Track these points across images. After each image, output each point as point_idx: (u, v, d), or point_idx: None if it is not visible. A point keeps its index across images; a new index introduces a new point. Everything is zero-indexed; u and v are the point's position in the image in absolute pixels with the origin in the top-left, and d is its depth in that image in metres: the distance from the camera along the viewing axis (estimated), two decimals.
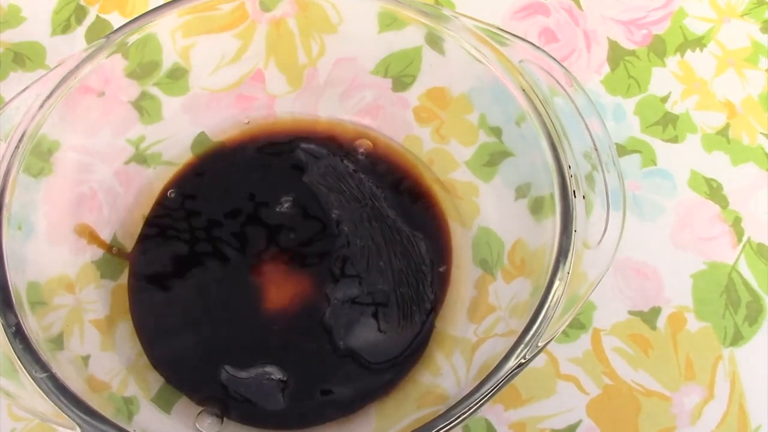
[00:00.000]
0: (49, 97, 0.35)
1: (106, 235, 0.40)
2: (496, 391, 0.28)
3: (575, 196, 0.32)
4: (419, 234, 0.40)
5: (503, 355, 0.29)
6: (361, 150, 0.43)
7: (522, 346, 0.29)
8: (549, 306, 0.30)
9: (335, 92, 0.44)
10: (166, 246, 0.40)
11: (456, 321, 0.38)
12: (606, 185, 0.33)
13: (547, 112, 0.35)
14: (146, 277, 0.39)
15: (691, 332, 0.39)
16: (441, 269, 0.39)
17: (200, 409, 0.35)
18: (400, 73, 0.43)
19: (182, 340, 0.37)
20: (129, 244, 0.40)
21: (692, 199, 0.43)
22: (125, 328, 0.38)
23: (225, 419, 0.35)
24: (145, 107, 0.42)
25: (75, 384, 0.30)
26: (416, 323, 0.37)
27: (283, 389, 0.36)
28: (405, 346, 0.37)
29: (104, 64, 0.38)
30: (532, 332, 0.29)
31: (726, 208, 0.43)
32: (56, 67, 0.36)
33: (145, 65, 0.42)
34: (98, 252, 0.39)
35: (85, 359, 0.35)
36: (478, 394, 0.28)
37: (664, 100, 0.46)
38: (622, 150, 0.44)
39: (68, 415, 0.28)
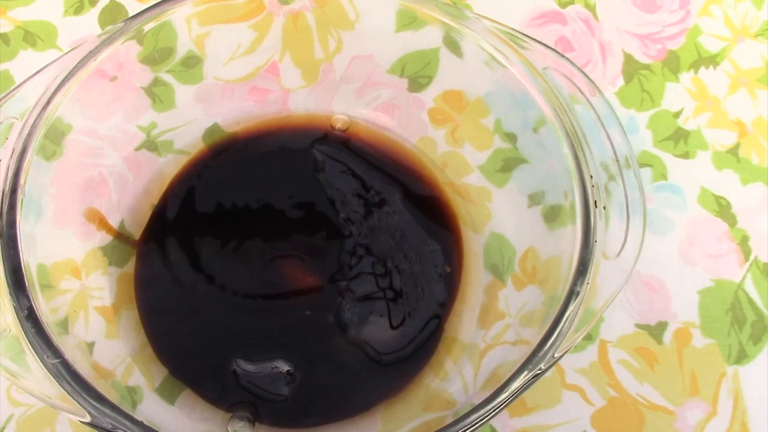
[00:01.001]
0: (67, 79, 0.35)
1: (114, 222, 0.39)
2: (511, 401, 0.28)
3: (596, 207, 0.32)
4: (430, 236, 0.39)
5: (519, 365, 0.29)
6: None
7: (539, 356, 0.29)
8: (568, 317, 0.30)
9: (351, 89, 0.44)
10: (174, 236, 0.39)
11: (465, 326, 0.38)
12: (626, 196, 0.33)
13: (570, 119, 0.35)
14: (153, 266, 0.39)
15: (696, 348, 0.39)
16: (448, 270, 0.39)
17: (230, 414, 0.35)
18: (416, 73, 0.43)
19: (187, 332, 0.37)
20: (137, 231, 0.40)
21: (701, 215, 0.43)
22: (130, 317, 0.37)
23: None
24: (157, 94, 0.42)
25: (81, 369, 0.29)
26: (423, 322, 0.37)
27: (288, 382, 0.35)
28: (412, 342, 0.37)
29: (118, 49, 0.37)
30: (549, 343, 0.29)
31: (734, 226, 0.43)
32: (73, 49, 0.35)
33: (159, 51, 0.41)
34: (106, 238, 0.39)
35: (90, 346, 0.35)
36: (494, 403, 0.28)
37: (677, 115, 0.46)
38: None
39: (79, 402, 0.27)
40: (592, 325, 0.30)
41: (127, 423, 0.27)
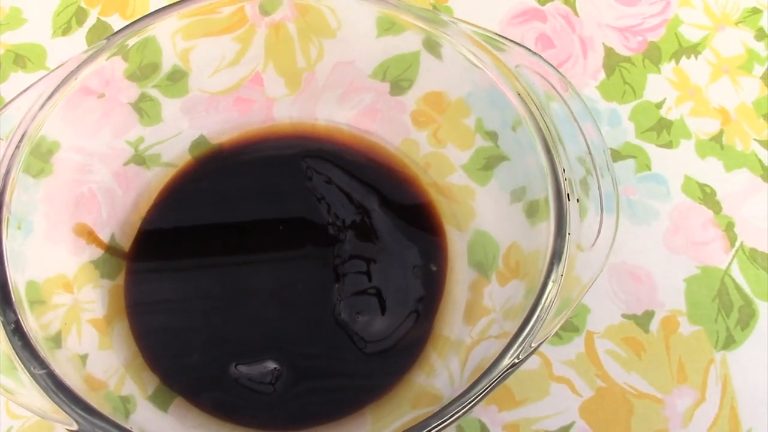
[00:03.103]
0: (50, 97, 0.35)
1: (104, 236, 0.40)
2: (489, 390, 0.28)
3: (569, 199, 0.33)
4: (415, 236, 0.40)
5: (497, 355, 0.29)
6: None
7: (516, 346, 0.29)
8: (543, 307, 0.30)
9: (333, 95, 0.44)
10: (163, 247, 0.40)
11: (451, 323, 0.38)
12: (600, 190, 0.33)
13: (542, 116, 0.35)
14: (142, 277, 0.39)
15: (683, 336, 0.39)
16: (434, 269, 0.39)
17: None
18: (398, 77, 0.43)
19: (177, 340, 0.38)
20: (127, 244, 0.40)
21: (686, 203, 0.43)
22: (122, 328, 0.38)
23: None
24: (144, 109, 0.43)
25: (73, 382, 0.30)
26: (404, 317, 0.37)
27: (276, 378, 0.36)
28: (395, 332, 0.37)
29: (104, 66, 0.38)
30: (525, 332, 0.29)
31: (719, 213, 0.43)
32: (57, 67, 0.36)
33: (144, 67, 0.42)
34: (96, 252, 0.39)
35: (83, 358, 0.36)
36: (472, 393, 0.28)
37: (659, 106, 0.47)
38: (617, 155, 0.45)
39: (66, 412, 0.28)
40: (568, 314, 0.30)
41: (111, 427, 0.28)
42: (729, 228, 0.42)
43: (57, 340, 0.35)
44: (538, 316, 0.30)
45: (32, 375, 0.29)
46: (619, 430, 0.37)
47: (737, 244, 0.42)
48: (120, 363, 0.37)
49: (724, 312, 0.40)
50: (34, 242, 0.36)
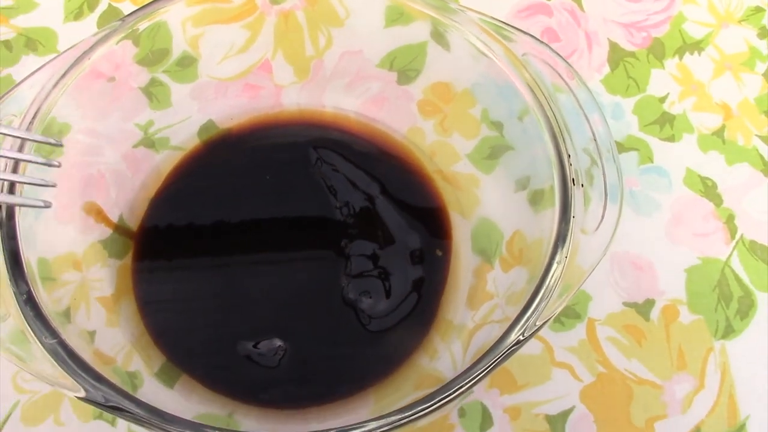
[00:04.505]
0: (62, 77, 0.36)
1: (113, 216, 0.41)
2: (494, 367, 0.29)
3: (574, 184, 0.33)
4: (420, 222, 0.41)
5: (503, 332, 0.30)
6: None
7: (521, 324, 0.30)
8: (547, 286, 0.30)
9: (341, 83, 0.45)
10: (171, 228, 0.41)
11: (454, 307, 0.39)
12: (605, 180, 0.34)
13: (550, 106, 0.36)
14: (149, 257, 0.40)
15: (683, 324, 0.40)
16: (439, 254, 0.40)
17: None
18: (405, 66, 0.44)
19: (183, 318, 0.38)
20: (135, 225, 0.41)
21: (687, 196, 0.44)
22: (129, 306, 0.38)
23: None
24: (154, 93, 0.43)
25: (83, 355, 0.30)
26: (405, 296, 0.38)
27: (281, 356, 0.36)
28: (400, 313, 0.38)
29: (115, 51, 0.39)
30: (530, 311, 0.30)
31: (720, 205, 0.43)
32: (69, 49, 0.36)
33: (155, 53, 0.42)
34: (105, 231, 0.40)
35: (91, 334, 0.36)
36: (477, 368, 0.29)
37: (662, 100, 0.47)
38: (620, 147, 0.45)
39: (76, 379, 0.28)
40: (572, 295, 0.31)
41: (118, 396, 0.28)
42: (729, 220, 0.43)
43: (67, 316, 0.35)
44: (542, 295, 0.30)
45: (43, 344, 0.29)
46: (619, 414, 0.38)
47: (737, 236, 0.43)
48: (127, 340, 0.37)
49: (723, 302, 0.41)
50: (45, 221, 0.37)
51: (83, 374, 0.29)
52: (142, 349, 0.37)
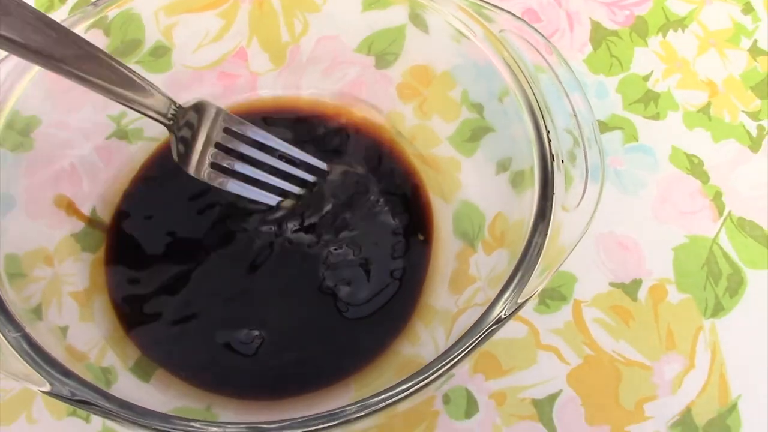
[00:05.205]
0: (27, 68, 0.35)
1: (86, 209, 0.40)
2: (475, 346, 0.28)
3: (554, 160, 0.32)
4: (398, 208, 0.40)
5: (484, 310, 0.29)
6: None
7: (502, 301, 0.29)
8: (528, 263, 0.30)
9: (318, 69, 0.44)
10: (145, 220, 0.40)
11: (437, 292, 0.38)
12: (586, 159, 0.33)
13: (530, 86, 0.35)
14: (123, 250, 0.39)
15: (672, 304, 0.39)
16: (420, 238, 0.39)
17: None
18: (383, 50, 0.43)
19: (157, 312, 0.37)
20: (109, 218, 0.40)
21: (674, 174, 0.43)
22: (103, 300, 0.38)
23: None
24: None
25: (54, 352, 0.30)
26: (392, 287, 0.37)
27: (258, 347, 0.36)
28: (380, 300, 0.37)
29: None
30: (511, 288, 0.29)
31: (707, 183, 0.43)
32: None
33: (127, 43, 0.42)
34: (77, 225, 0.39)
35: (64, 330, 0.35)
36: (457, 348, 0.28)
37: (646, 78, 0.46)
38: (604, 127, 0.44)
39: (40, 373, 0.27)
40: (554, 272, 0.30)
41: (87, 390, 0.27)
42: (717, 197, 0.42)
43: (38, 312, 0.34)
44: (523, 272, 0.30)
45: (7, 338, 0.28)
46: (607, 397, 0.37)
47: (725, 213, 0.42)
48: (101, 335, 0.36)
49: (712, 280, 0.40)
50: (14, 216, 0.36)
51: (48, 368, 0.28)
52: (117, 344, 0.36)
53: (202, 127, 0.37)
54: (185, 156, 0.37)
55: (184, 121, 0.36)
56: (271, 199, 0.39)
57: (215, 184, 0.38)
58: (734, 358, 0.38)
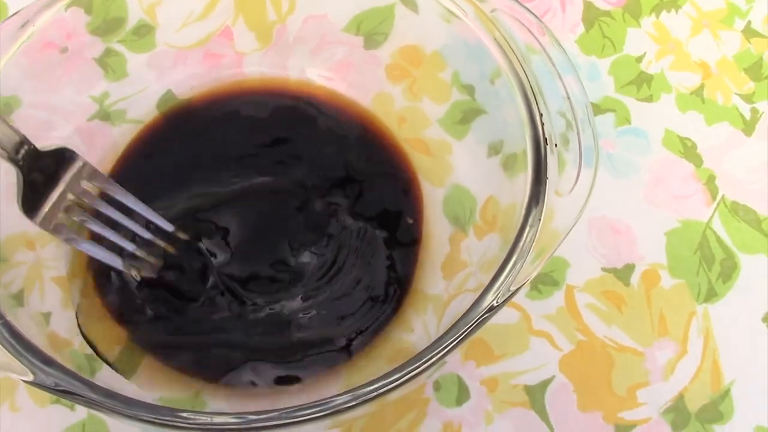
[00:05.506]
0: (6, 49, 0.34)
1: None
2: (467, 335, 0.27)
3: (547, 144, 0.32)
4: (388, 193, 0.39)
5: (476, 298, 0.28)
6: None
7: (494, 289, 0.28)
8: (521, 249, 0.29)
9: (305, 49, 0.43)
10: None
11: (428, 277, 0.37)
12: (580, 142, 0.32)
13: (522, 67, 0.34)
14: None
15: (664, 289, 0.39)
16: (410, 221, 0.38)
17: None
18: (372, 30, 0.42)
19: (141, 298, 0.36)
20: None
21: (666, 157, 0.42)
22: (87, 286, 0.37)
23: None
24: (109, 64, 0.41)
25: (36, 340, 0.29)
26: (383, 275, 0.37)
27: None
28: (371, 288, 0.37)
29: (66, 19, 0.37)
30: (504, 275, 0.29)
31: (700, 166, 0.42)
32: (13, 15, 0.35)
33: (109, 21, 0.41)
34: None
35: (46, 316, 0.34)
36: (448, 336, 0.27)
37: (639, 60, 0.46)
38: (597, 109, 0.44)
39: (21, 362, 0.27)
40: (547, 259, 0.29)
41: (70, 379, 0.26)
42: (710, 181, 0.42)
43: (19, 298, 0.34)
44: (516, 259, 0.29)
45: None
46: (600, 383, 0.36)
47: (718, 197, 0.41)
48: None
49: (705, 265, 0.39)
50: None
51: (29, 357, 0.27)
52: None
53: (61, 178, 0.34)
54: (33, 203, 0.33)
55: (38, 165, 0.33)
56: (118, 263, 0.36)
57: (62, 239, 0.34)
58: (727, 344, 0.38)
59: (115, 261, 0.35)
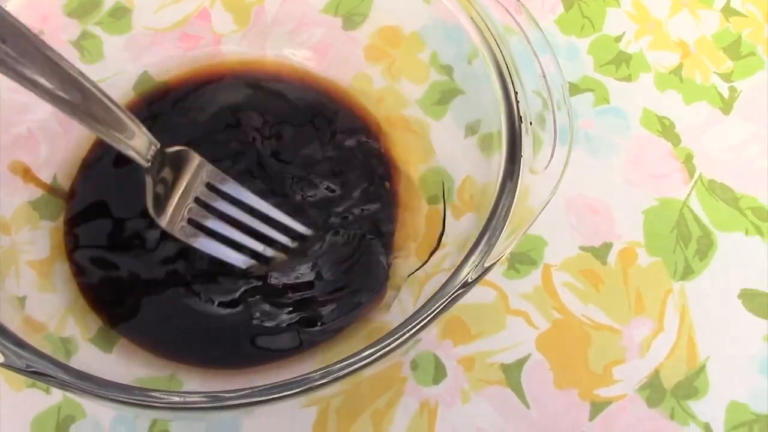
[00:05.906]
0: None
1: (46, 177, 0.39)
2: (441, 311, 0.27)
3: (522, 121, 0.32)
4: (365, 174, 0.39)
5: (450, 274, 0.28)
6: None
7: (468, 264, 0.28)
8: (495, 225, 0.29)
9: (283, 31, 0.43)
10: (105, 187, 0.38)
11: (405, 258, 0.37)
12: (555, 123, 0.32)
13: (499, 47, 0.34)
14: (83, 218, 0.38)
15: (641, 267, 0.39)
16: (387, 196, 0.38)
17: None
18: (350, 11, 0.42)
19: (118, 281, 0.36)
20: (68, 185, 0.39)
21: (645, 136, 0.42)
22: (64, 270, 0.37)
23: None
24: (85, 46, 0.41)
25: (11, 324, 0.29)
26: (360, 254, 0.37)
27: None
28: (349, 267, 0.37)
29: (41, 1, 0.37)
30: (478, 251, 0.29)
31: (678, 145, 0.42)
32: None
33: (86, 4, 0.40)
34: (35, 192, 0.38)
35: (22, 300, 0.34)
36: (422, 312, 0.27)
37: (618, 39, 0.46)
38: (575, 89, 0.44)
39: None
40: (521, 235, 0.29)
41: (42, 361, 0.26)
42: (688, 160, 0.42)
43: None
44: (490, 234, 0.29)
45: None
46: (576, 361, 0.37)
47: (696, 175, 0.41)
48: (62, 305, 0.36)
49: (682, 243, 0.40)
50: None
51: (1, 339, 0.27)
52: (79, 314, 0.35)
53: (182, 177, 0.35)
54: (160, 206, 0.35)
55: (163, 167, 0.34)
56: (243, 262, 0.36)
57: (187, 240, 0.35)
58: (703, 321, 0.38)
59: (238, 259, 0.36)
